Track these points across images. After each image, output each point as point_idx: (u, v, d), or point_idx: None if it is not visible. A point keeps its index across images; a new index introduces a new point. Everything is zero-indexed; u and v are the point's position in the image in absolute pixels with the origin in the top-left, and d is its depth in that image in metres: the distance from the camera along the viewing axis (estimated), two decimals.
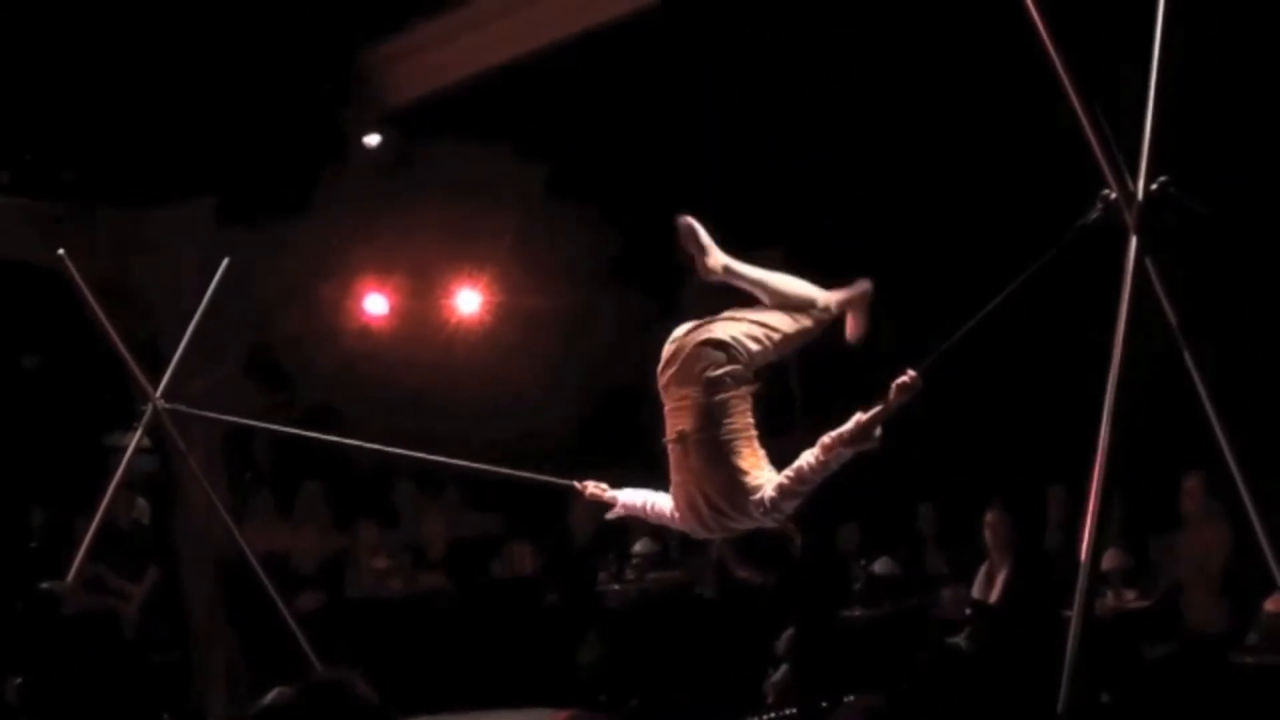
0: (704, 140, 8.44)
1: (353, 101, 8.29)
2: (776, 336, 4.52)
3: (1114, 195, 3.56)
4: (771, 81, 7.80)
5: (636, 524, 7.95)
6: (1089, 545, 3.45)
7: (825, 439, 4.23)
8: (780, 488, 4.29)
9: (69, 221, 8.15)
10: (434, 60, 7.88)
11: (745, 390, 4.45)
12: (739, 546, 4.52)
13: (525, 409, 9.22)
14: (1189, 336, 3.49)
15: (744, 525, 4.42)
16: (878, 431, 4.15)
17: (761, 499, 4.32)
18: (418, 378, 9.20)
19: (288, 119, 8.19)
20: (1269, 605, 6.56)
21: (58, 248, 6.34)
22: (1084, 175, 3.63)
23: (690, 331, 4.54)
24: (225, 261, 6.65)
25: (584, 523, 9.35)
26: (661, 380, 4.54)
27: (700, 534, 4.62)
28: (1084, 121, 3.57)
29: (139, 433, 6.50)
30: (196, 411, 6.52)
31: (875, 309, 4.75)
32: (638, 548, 9.47)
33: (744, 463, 4.37)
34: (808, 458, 4.26)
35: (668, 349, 4.55)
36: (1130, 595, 7.73)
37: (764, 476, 4.36)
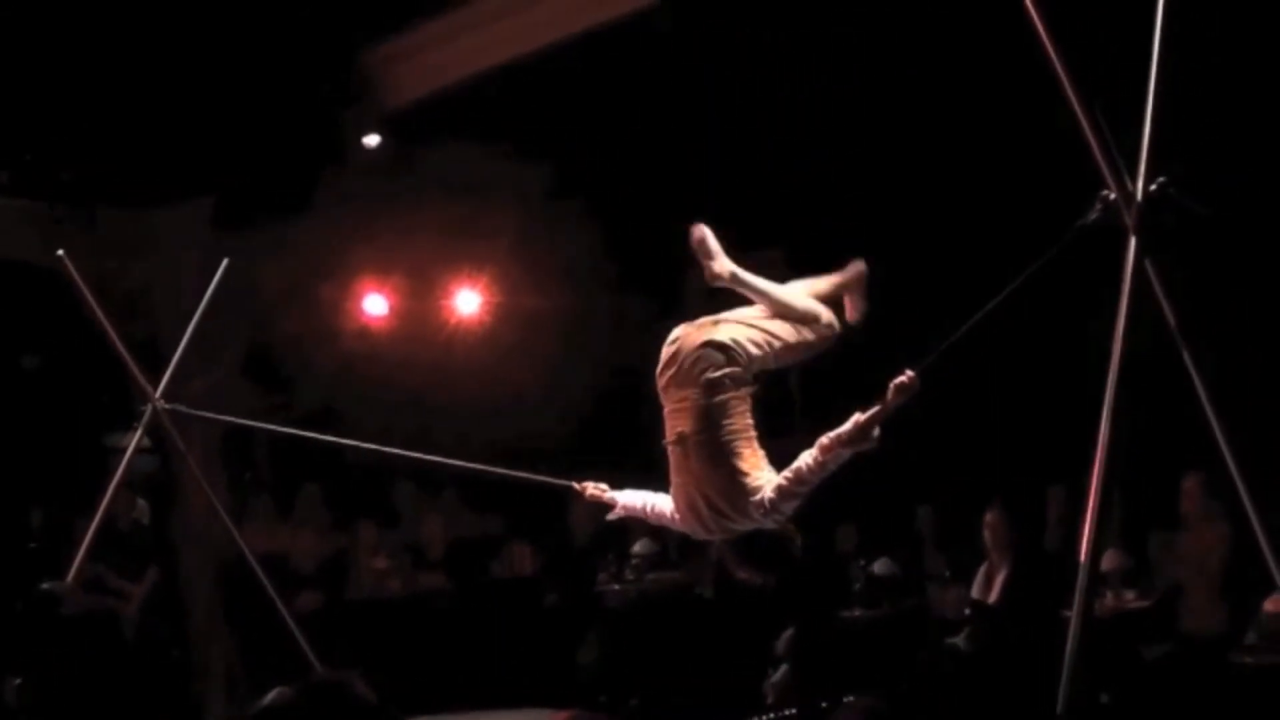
0: (704, 140, 8.44)
1: (352, 102, 8.29)
2: (777, 344, 4.51)
3: (1113, 196, 3.56)
4: (772, 82, 7.80)
5: (636, 524, 7.96)
6: (1088, 545, 3.45)
7: (824, 440, 4.23)
8: (779, 489, 4.29)
9: (69, 222, 8.15)
10: (434, 61, 7.88)
11: (745, 392, 4.46)
12: (739, 547, 4.52)
13: (525, 409, 9.22)
14: (1188, 336, 3.49)
15: (744, 526, 4.42)
16: (876, 432, 4.15)
17: (761, 500, 4.32)
18: (417, 378, 9.20)
19: (288, 119, 8.19)
20: (1268, 605, 6.56)
21: (57, 248, 6.34)
22: (1083, 176, 3.63)
23: (689, 332, 4.55)
24: (225, 262, 6.64)
25: (584, 523, 9.35)
26: (661, 382, 4.54)
27: (701, 535, 4.62)
28: (1083, 122, 3.57)
29: (138, 433, 6.50)
30: (196, 412, 6.51)
31: (874, 309, 4.76)
32: (637, 548, 9.47)
33: (744, 464, 4.37)
34: (806, 459, 4.26)
35: (667, 350, 4.55)
36: (1129, 596, 7.73)
37: (764, 477, 4.36)
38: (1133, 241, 3.54)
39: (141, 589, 8.43)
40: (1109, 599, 7.63)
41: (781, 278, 4.70)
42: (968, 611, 7.85)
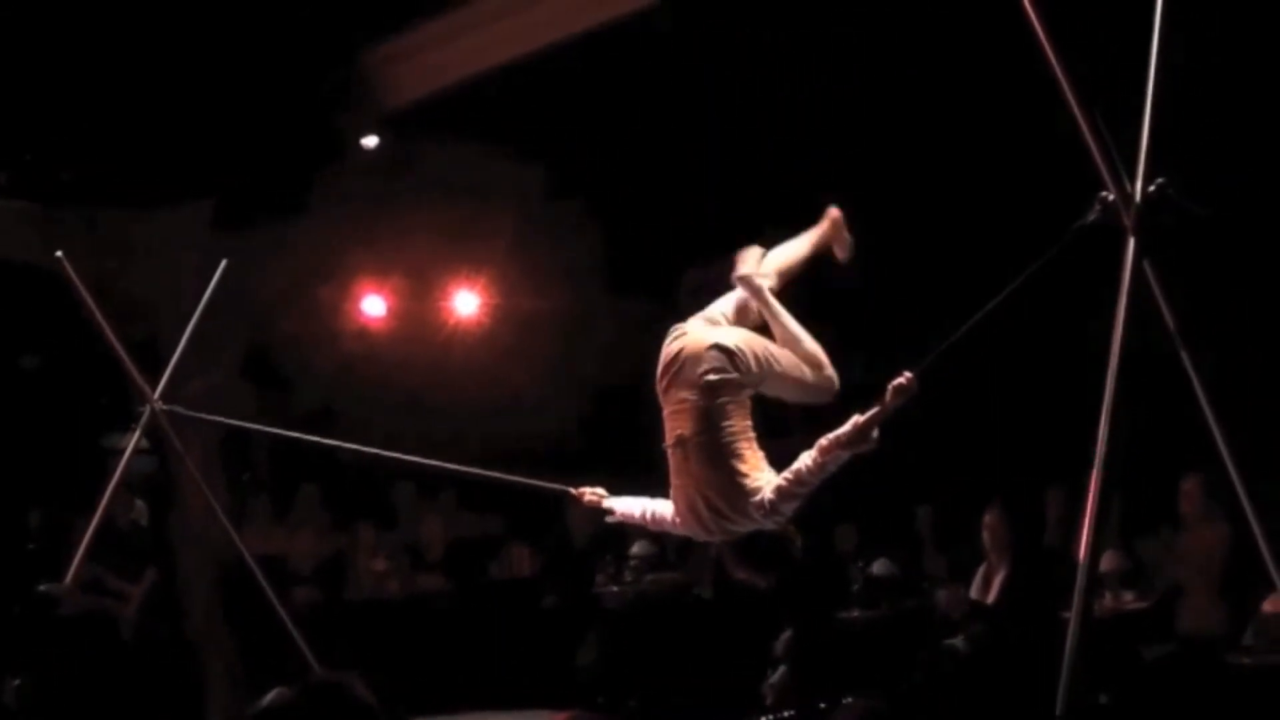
0: (704, 141, 8.44)
1: (352, 102, 8.28)
2: (775, 368, 4.51)
3: (1112, 197, 3.56)
4: (771, 83, 7.81)
5: (635, 526, 7.95)
6: (1087, 546, 3.45)
7: (823, 441, 4.24)
8: (779, 490, 4.30)
9: (68, 223, 8.14)
10: (434, 61, 7.88)
11: (744, 395, 4.46)
12: (739, 548, 4.52)
13: (523, 410, 9.22)
14: (1187, 338, 3.49)
15: (745, 527, 4.42)
16: (875, 433, 4.16)
17: (761, 501, 4.32)
18: (415, 379, 9.21)
19: (286, 120, 8.19)
20: (1267, 606, 6.55)
21: (56, 249, 6.34)
22: (1083, 177, 3.63)
23: (690, 333, 4.55)
24: (224, 263, 6.64)
25: (582, 524, 9.35)
26: (661, 383, 4.53)
27: (701, 537, 4.61)
28: (1082, 123, 3.57)
29: (137, 434, 6.50)
30: (194, 413, 6.51)
31: (874, 310, 4.76)
32: (636, 549, 9.46)
33: (744, 465, 4.37)
34: (806, 460, 4.27)
35: (668, 349, 4.55)
36: (1128, 596, 7.73)
37: (764, 478, 4.36)
38: (1131, 242, 3.54)
39: (140, 590, 8.42)
40: (1108, 600, 7.63)
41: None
42: (966, 612, 7.84)
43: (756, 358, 4.48)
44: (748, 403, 4.47)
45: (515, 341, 9.63)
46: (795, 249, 4.81)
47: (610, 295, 9.19)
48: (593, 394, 9.31)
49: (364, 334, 9.76)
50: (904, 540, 9.21)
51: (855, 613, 8.40)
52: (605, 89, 8.08)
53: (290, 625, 6.45)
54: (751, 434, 4.45)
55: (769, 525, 4.39)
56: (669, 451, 4.49)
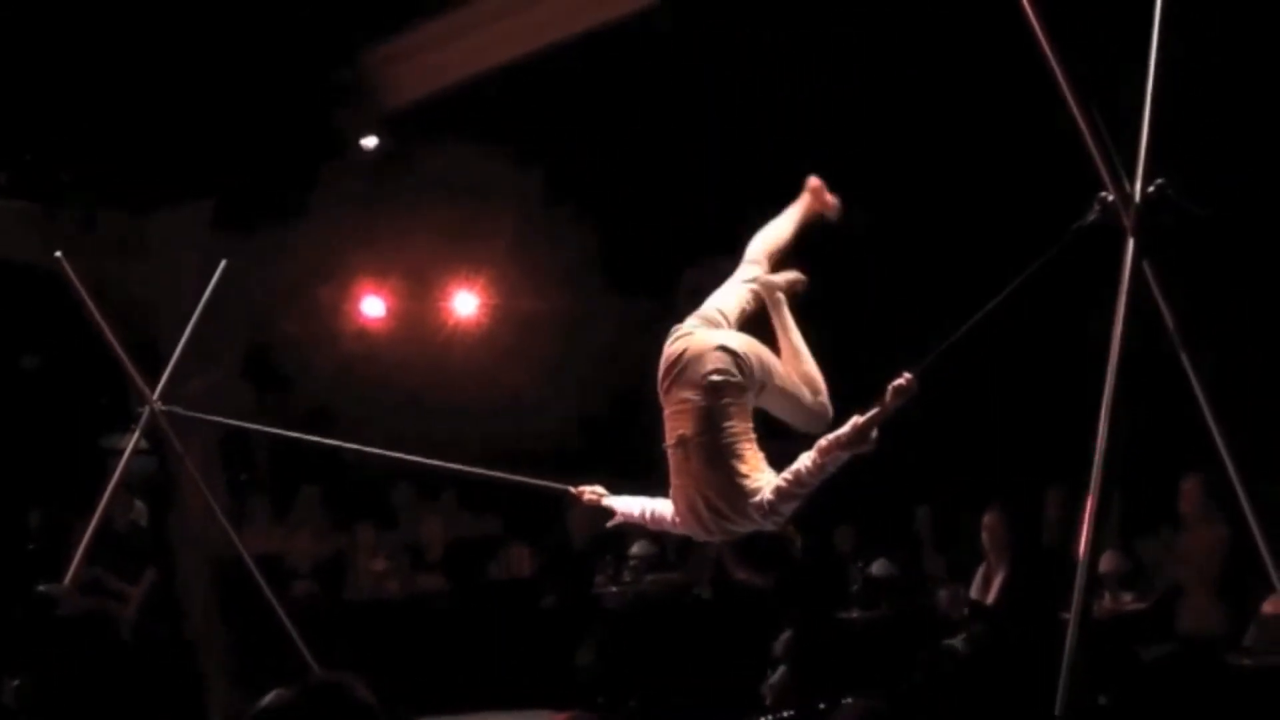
0: (704, 141, 8.44)
1: (352, 103, 8.28)
2: (773, 378, 4.53)
3: (1111, 197, 3.56)
4: (771, 83, 7.80)
5: (634, 526, 7.95)
6: (1086, 546, 3.45)
7: (822, 442, 4.24)
8: (778, 490, 4.30)
9: (68, 223, 8.15)
10: (433, 61, 7.88)
11: (745, 396, 4.46)
12: (740, 548, 4.52)
13: (523, 411, 9.22)
14: (1187, 338, 3.49)
15: (744, 527, 4.42)
16: (874, 434, 4.15)
17: (761, 501, 4.32)
18: (415, 380, 9.20)
19: (287, 120, 8.19)
20: (1267, 607, 6.55)
21: (56, 249, 6.34)
22: (1082, 177, 3.63)
23: (692, 334, 4.55)
24: (223, 263, 6.64)
25: (582, 525, 9.35)
26: (663, 384, 4.53)
27: (701, 537, 4.61)
28: (1081, 123, 3.57)
29: (136, 435, 6.50)
30: (194, 414, 6.51)
31: (874, 310, 4.77)
32: (635, 549, 9.46)
33: (744, 465, 4.38)
34: (805, 461, 4.27)
35: (670, 349, 4.55)
36: (1127, 598, 7.73)
37: (764, 479, 4.36)
38: (1131, 243, 3.54)
39: (139, 591, 8.42)
40: (1107, 600, 7.63)
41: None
42: (966, 612, 7.84)
43: (760, 362, 4.49)
44: (749, 404, 4.48)
45: (515, 342, 9.63)
46: (780, 228, 4.84)
47: (610, 295, 9.19)
48: (592, 394, 9.30)
49: (364, 334, 9.76)
50: (903, 541, 9.21)
51: (855, 613, 8.40)
52: (605, 89, 8.08)
53: (289, 625, 6.45)
54: (752, 435, 4.46)
55: (769, 525, 4.39)
56: (669, 451, 4.50)
